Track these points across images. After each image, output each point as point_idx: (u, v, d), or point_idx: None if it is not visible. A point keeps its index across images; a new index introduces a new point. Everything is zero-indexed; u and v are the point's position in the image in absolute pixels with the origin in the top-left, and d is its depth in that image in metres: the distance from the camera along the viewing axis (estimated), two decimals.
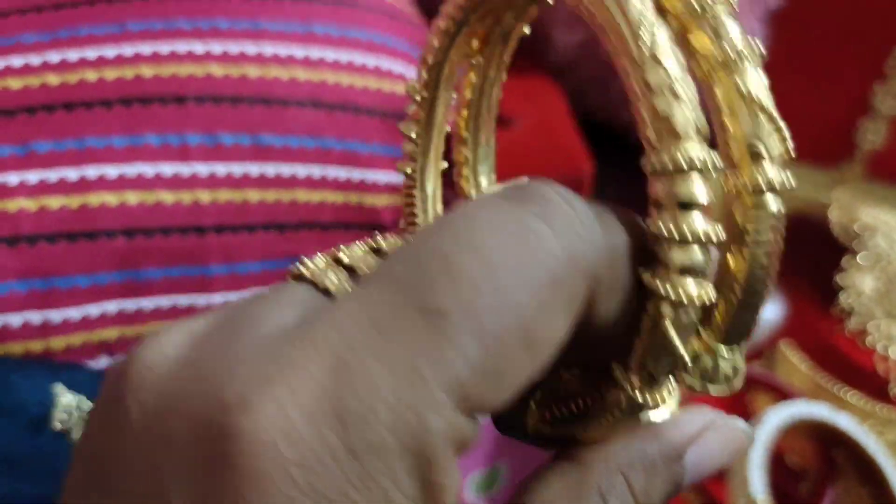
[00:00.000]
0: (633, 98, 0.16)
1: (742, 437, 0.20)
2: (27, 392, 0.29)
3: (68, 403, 0.29)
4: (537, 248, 0.15)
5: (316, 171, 0.34)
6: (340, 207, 0.35)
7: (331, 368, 0.14)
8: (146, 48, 0.32)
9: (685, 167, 0.16)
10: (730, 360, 0.18)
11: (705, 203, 0.16)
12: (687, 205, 0.16)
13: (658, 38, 0.16)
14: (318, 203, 0.34)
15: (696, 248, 0.16)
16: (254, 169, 0.32)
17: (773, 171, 0.17)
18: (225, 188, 0.32)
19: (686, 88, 0.16)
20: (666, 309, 0.16)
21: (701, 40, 0.17)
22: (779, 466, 0.49)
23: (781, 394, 0.50)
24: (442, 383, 0.14)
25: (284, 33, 0.35)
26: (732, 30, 0.17)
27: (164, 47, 0.32)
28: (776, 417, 0.45)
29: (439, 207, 0.23)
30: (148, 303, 0.31)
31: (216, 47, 0.33)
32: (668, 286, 0.16)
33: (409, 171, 0.22)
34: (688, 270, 0.16)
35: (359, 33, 0.36)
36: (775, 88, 0.60)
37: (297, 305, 0.16)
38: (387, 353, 0.14)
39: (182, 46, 0.33)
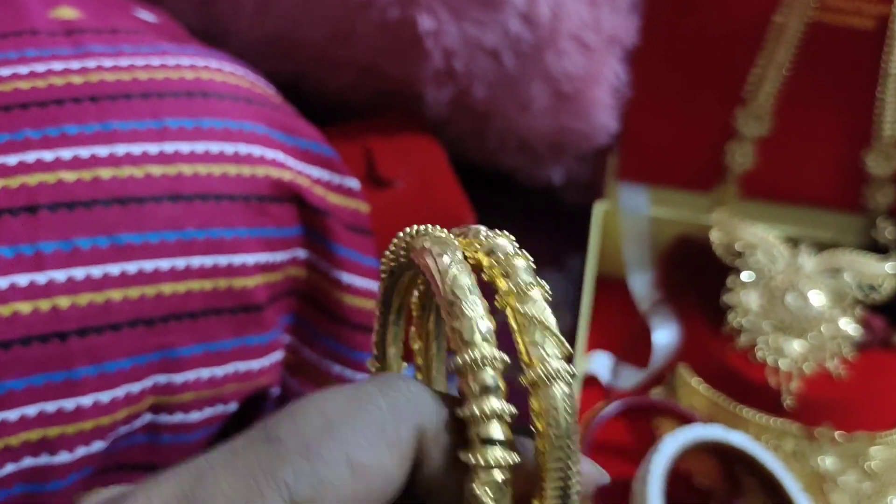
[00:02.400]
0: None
1: None
2: None
3: None
4: (365, 402, 0.21)
5: (179, 262, 0.34)
6: (209, 294, 0.35)
7: (192, 477, 0.19)
8: None
9: (479, 363, 0.21)
10: None
11: (499, 388, 0.21)
12: (484, 390, 0.21)
13: (459, 279, 0.21)
14: (185, 293, 0.35)
15: (494, 422, 0.21)
16: (114, 269, 0.33)
17: (555, 365, 0.21)
18: (85, 291, 0.32)
19: (474, 309, 0.21)
20: (476, 473, 0.20)
21: (501, 283, 0.22)
22: (688, 488, 0.51)
23: (683, 418, 0.52)
24: (274, 489, 0.19)
25: (137, 132, 0.35)
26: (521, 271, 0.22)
27: (11, 159, 0.33)
28: (673, 443, 0.46)
29: None
30: (12, 414, 0.31)
31: (66, 153, 0.33)
32: (474, 455, 0.20)
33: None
34: (489, 441, 0.20)
35: (213, 122, 0.37)
36: (645, 123, 0.61)
37: None
38: (233, 466, 0.19)
39: (30, 156, 0.33)
